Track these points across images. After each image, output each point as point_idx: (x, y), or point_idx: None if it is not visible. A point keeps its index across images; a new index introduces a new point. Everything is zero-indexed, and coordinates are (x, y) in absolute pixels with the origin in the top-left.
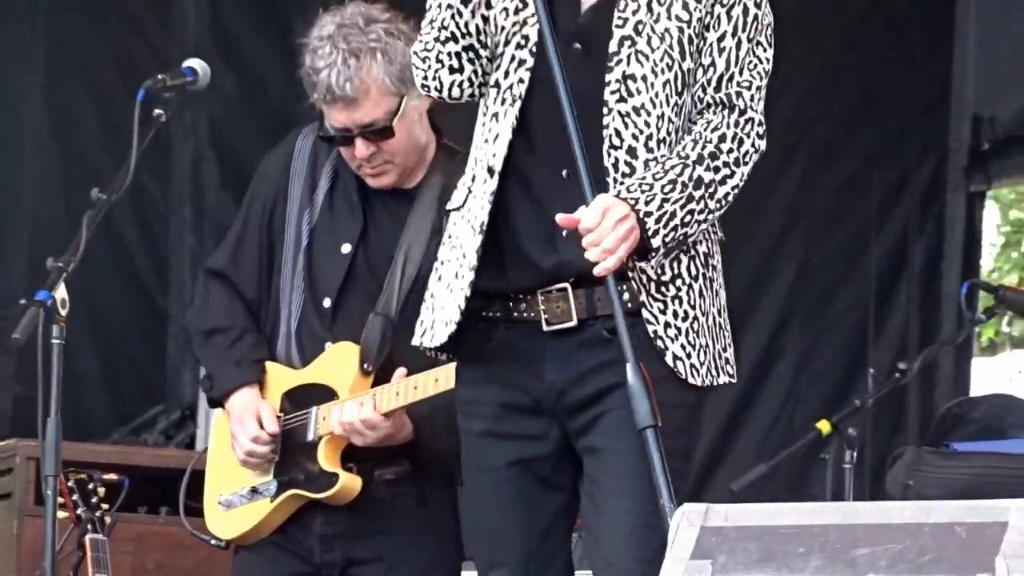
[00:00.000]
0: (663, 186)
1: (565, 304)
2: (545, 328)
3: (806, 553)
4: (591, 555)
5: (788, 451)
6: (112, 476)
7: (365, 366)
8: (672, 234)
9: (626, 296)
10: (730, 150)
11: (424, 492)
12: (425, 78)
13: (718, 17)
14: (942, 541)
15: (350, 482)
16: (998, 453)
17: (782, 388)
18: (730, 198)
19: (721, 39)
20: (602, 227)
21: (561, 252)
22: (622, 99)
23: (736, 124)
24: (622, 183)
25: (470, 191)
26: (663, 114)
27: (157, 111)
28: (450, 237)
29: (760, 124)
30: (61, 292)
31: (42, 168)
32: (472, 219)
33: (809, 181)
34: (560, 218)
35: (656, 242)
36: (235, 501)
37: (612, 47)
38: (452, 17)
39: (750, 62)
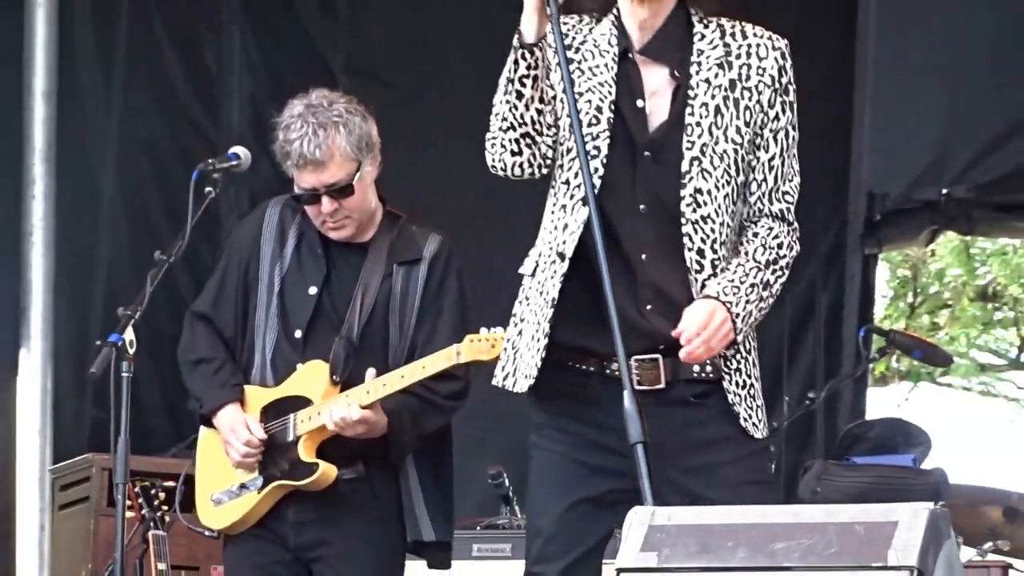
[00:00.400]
0: (746, 290)
1: (655, 370)
2: (636, 387)
3: (734, 547)
4: None
5: None
6: (170, 483)
7: (334, 377)
8: (747, 329)
9: (708, 368)
10: (784, 256)
11: (375, 488)
12: (492, 159)
13: (767, 140)
14: (844, 537)
15: (328, 469)
16: (889, 465)
17: None
18: (778, 292)
19: (771, 159)
20: (711, 328)
21: (652, 325)
22: (694, 210)
23: (788, 235)
24: (701, 283)
25: (537, 264)
26: (724, 221)
27: (208, 188)
28: (527, 299)
29: (797, 231)
30: (129, 335)
31: (115, 235)
32: (545, 293)
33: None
34: (675, 333)
35: (739, 337)
36: (224, 498)
37: (684, 166)
38: (510, 110)
39: (789, 176)
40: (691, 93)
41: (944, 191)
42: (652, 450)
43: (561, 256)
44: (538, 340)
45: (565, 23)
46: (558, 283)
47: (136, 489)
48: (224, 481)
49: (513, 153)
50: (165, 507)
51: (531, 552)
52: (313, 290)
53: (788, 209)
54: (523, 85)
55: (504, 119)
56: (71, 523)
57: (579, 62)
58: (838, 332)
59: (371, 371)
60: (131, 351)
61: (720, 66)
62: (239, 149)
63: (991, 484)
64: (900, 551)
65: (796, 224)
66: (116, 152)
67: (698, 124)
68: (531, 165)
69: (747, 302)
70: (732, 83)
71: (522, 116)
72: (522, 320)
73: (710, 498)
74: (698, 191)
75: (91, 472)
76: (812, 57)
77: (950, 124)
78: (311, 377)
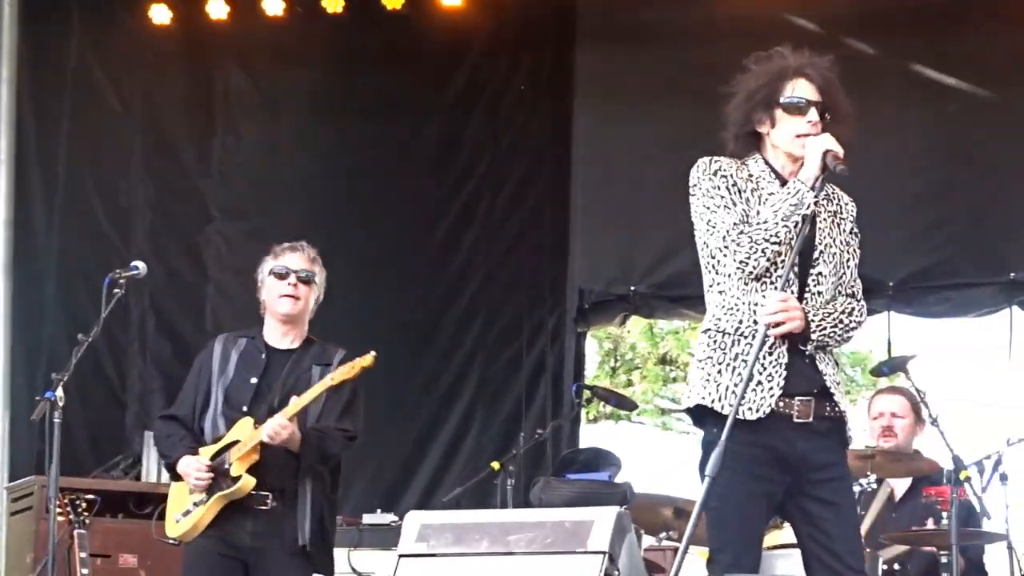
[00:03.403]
0: (820, 314)
1: (806, 408)
2: (796, 420)
3: (480, 538)
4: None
5: (475, 479)
6: (90, 496)
7: (257, 426)
8: (819, 333)
9: (841, 406)
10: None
11: (296, 508)
12: (753, 264)
13: (855, 248)
14: (557, 531)
15: (247, 480)
16: (591, 480)
17: (472, 442)
18: (848, 338)
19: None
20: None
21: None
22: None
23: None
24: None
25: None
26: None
27: (116, 290)
28: (736, 357)
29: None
30: (60, 392)
31: (55, 322)
32: (776, 356)
33: (486, 326)
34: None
35: (812, 335)
36: (181, 517)
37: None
38: (786, 234)
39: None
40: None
41: (632, 288)
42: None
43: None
44: (772, 390)
45: (745, 165)
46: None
47: (65, 500)
48: (182, 506)
49: (768, 261)
50: (86, 513)
51: (719, 541)
52: (254, 380)
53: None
54: (800, 218)
55: (779, 240)
56: (20, 525)
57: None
58: (560, 387)
59: (294, 397)
60: (60, 404)
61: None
62: (138, 263)
63: (666, 492)
64: (595, 540)
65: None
66: (56, 265)
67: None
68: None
69: (820, 317)
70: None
71: (786, 237)
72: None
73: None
74: (819, 273)
75: (34, 489)
76: (538, 199)
77: (635, 242)
78: (241, 428)
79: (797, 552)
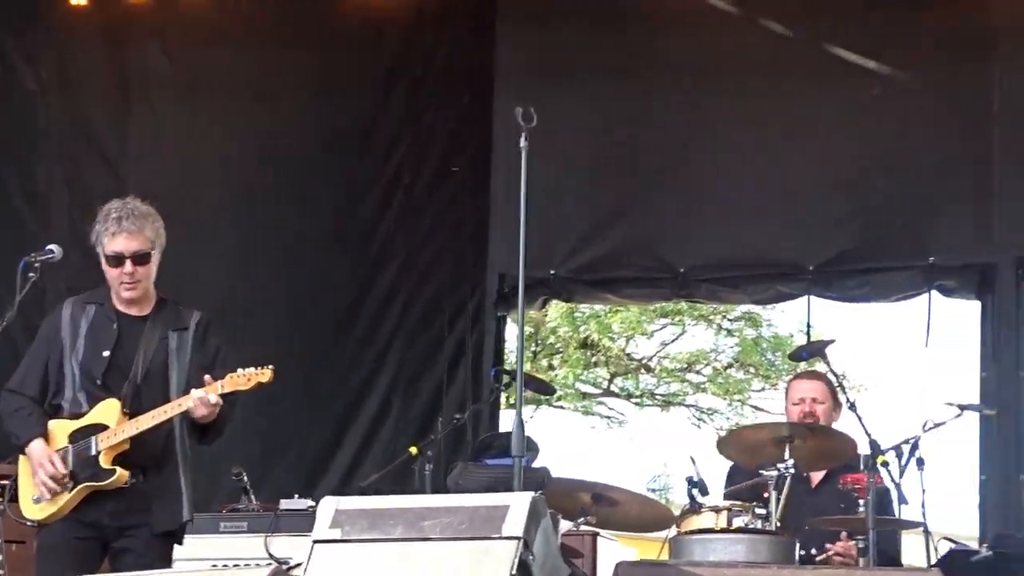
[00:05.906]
0: None
1: None
2: None
3: (395, 524)
4: None
5: (393, 464)
6: (5, 482)
7: (125, 410)
8: None
9: None
10: None
11: (171, 484)
12: None
13: None
14: (472, 516)
15: (122, 473)
16: (508, 465)
17: (391, 426)
18: None
19: None
20: None
21: None
22: None
23: None
24: None
25: None
26: None
27: (30, 273)
28: None
29: None
30: None
31: None
32: None
33: (406, 309)
34: None
35: None
36: (42, 498)
37: None
38: None
39: None
40: None
41: (552, 271)
42: None
43: None
44: None
45: None
46: None
47: None
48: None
49: None
50: (1, 498)
51: None
52: (106, 353)
53: None
54: None
55: None
56: None
57: None
58: (480, 370)
59: (208, 376)
60: None
61: None
62: (53, 246)
63: (584, 476)
64: (510, 525)
65: None
66: None
67: None
68: None
69: None
70: None
71: None
72: None
73: None
74: None
75: None
76: (459, 181)
77: (555, 225)
78: (107, 410)
79: (714, 537)
